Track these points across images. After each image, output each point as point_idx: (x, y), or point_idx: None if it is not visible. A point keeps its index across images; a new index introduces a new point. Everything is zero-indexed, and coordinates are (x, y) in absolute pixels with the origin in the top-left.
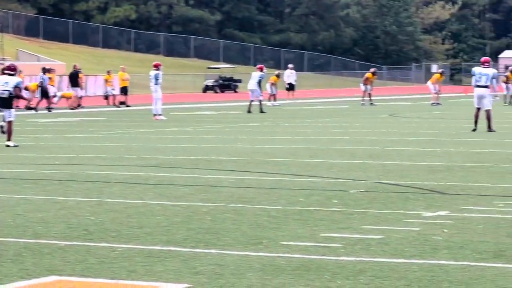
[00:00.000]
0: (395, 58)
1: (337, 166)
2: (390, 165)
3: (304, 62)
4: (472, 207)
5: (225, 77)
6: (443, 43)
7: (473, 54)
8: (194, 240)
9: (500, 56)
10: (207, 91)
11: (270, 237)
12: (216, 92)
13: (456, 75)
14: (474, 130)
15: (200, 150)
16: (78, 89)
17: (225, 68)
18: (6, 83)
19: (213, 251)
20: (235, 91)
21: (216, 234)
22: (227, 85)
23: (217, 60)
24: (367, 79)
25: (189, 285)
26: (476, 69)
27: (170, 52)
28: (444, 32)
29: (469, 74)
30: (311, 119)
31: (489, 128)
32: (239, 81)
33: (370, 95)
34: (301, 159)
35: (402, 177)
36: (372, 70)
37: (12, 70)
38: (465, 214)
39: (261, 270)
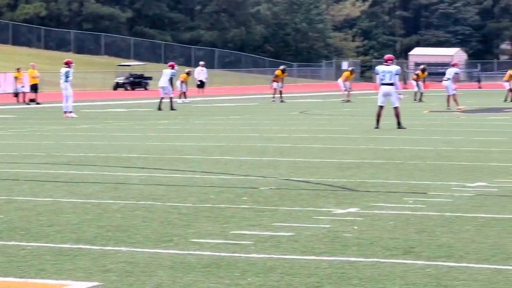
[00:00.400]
0: (305, 55)
1: (248, 163)
2: (300, 162)
3: (215, 60)
4: (382, 204)
5: (135, 74)
6: (353, 40)
7: (383, 51)
8: (105, 238)
9: (410, 53)
10: (118, 89)
11: (181, 234)
12: (127, 90)
13: (367, 72)
14: (376, 128)
15: (111, 148)
16: None
17: (135, 66)
18: None
19: (123, 248)
20: (146, 89)
21: (126, 231)
22: (137, 82)
23: (127, 57)
24: (276, 76)
25: (99, 283)
26: (380, 68)
27: (81, 49)
28: (354, 29)
29: None
30: (222, 116)
31: (399, 125)
32: (150, 78)
33: (281, 92)
34: (211, 156)
35: (312, 174)
36: (281, 67)
37: None
38: (375, 211)
39: (171, 267)
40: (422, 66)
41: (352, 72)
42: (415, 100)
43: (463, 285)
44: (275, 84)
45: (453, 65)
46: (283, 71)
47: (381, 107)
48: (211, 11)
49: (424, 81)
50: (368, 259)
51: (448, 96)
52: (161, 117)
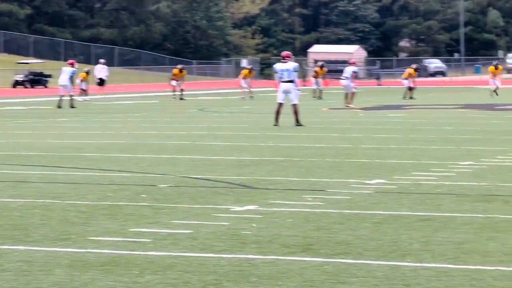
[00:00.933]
0: (205, 52)
1: (147, 160)
2: (199, 159)
3: (115, 57)
4: (281, 201)
5: (35, 72)
6: (253, 38)
7: (282, 48)
8: (2, 236)
9: (309, 50)
10: (17, 86)
11: (79, 232)
12: (26, 87)
13: (266, 69)
14: (275, 125)
15: (9, 146)
16: None
17: (35, 63)
18: None
19: (20, 247)
20: (46, 86)
21: (24, 230)
22: (37, 80)
23: (27, 55)
24: (175, 75)
25: None
26: (277, 66)
27: None
28: (253, 27)
29: None
30: (121, 114)
31: (297, 122)
32: (49, 76)
33: (182, 90)
34: (110, 154)
35: (211, 172)
36: (179, 66)
37: None
38: (274, 209)
39: (69, 266)
40: (320, 63)
41: (251, 70)
42: (314, 97)
43: (361, 282)
44: (174, 82)
45: (351, 64)
46: (180, 70)
47: (280, 104)
48: (111, 9)
49: (323, 78)
50: (267, 257)
51: (346, 94)
52: (61, 115)
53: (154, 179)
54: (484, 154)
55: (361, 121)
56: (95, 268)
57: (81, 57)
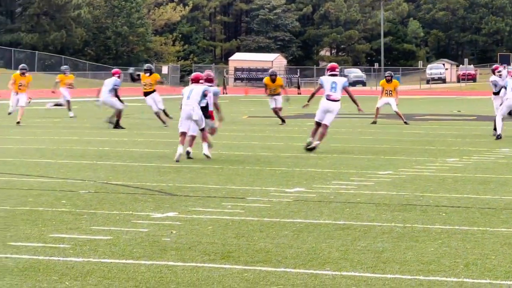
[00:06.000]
0: (125, 59)
1: (67, 166)
2: (120, 165)
3: (35, 62)
4: (201, 209)
5: None
6: (173, 45)
7: (203, 56)
8: None
9: (231, 58)
10: None
11: None
12: None
13: (186, 77)
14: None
15: None
16: None
17: None
18: None
19: None
20: None
21: None
22: None
23: None
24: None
25: None
26: (324, 78)
27: None
28: (175, 34)
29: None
30: (42, 119)
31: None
32: None
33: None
34: (30, 159)
35: (131, 178)
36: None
37: None
38: (194, 216)
39: None
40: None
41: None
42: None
43: None
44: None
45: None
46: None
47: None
48: (32, 14)
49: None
50: (187, 264)
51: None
52: None
53: (74, 184)
54: (403, 164)
55: (281, 130)
56: (14, 274)
57: (1, 61)
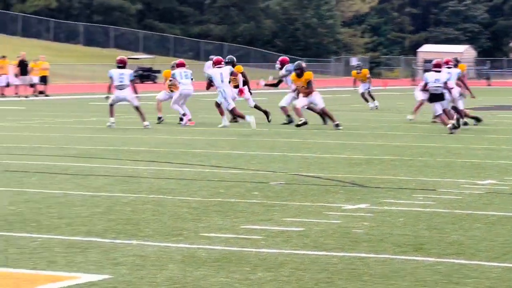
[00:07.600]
0: (314, 50)
1: (258, 158)
2: (311, 157)
3: (224, 54)
4: (391, 200)
5: (144, 67)
6: (362, 37)
7: (392, 47)
8: (115, 231)
9: (419, 50)
10: None
11: (191, 228)
12: (136, 83)
13: (375, 68)
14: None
15: (119, 141)
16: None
17: (144, 59)
18: None
19: (133, 242)
20: (155, 82)
21: (136, 225)
22: (146, 75)
23: (136, 50)
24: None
25: (110, 276)
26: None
27: (90, 42)
28: (363, 26)
29: (389, 67)
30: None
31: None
32: (158, 71)
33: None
34: (221, 151)
35: (322, 170)
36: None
37: None
38: (385, 207)
39: (182, 261)
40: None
41: (358, 71)
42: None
43: (475, 283)
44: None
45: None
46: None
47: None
48: (220, 5)
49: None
50: (379, 255)
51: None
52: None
53: (265, 176)
54: None
55: (470, 121)
56: (207, 264)
57: (190, 53)
